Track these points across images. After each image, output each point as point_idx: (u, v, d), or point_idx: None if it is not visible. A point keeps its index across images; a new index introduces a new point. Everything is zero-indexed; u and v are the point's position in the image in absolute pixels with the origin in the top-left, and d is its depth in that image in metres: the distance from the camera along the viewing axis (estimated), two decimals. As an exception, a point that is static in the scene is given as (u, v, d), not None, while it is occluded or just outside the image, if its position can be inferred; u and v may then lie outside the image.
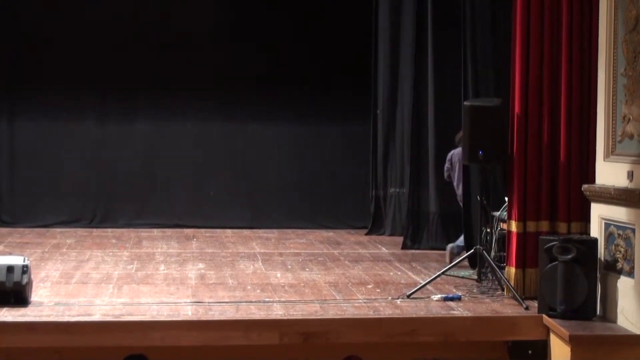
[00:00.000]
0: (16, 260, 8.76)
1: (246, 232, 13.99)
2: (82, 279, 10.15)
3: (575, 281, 8.41)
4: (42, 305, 8.75)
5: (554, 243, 8.55)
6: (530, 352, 8.60)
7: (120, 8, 14.26)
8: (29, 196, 14.30)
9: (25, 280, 8.64)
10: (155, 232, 13.91)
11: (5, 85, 14.27)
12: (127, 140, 14.55)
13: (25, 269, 8.67)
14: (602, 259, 8.55)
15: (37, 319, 8.30)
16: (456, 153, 11.30)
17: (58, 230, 13.82)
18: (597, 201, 8.68)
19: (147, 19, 14.33)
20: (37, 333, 8.16)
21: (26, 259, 8.83)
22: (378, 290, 9.75)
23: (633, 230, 8.12)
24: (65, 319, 8.34)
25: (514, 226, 9.31)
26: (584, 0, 9.15)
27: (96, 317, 8.41)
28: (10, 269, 8.62)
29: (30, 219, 14.13)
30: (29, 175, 14.36)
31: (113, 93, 14.47)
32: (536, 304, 8.77)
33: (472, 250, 9.87)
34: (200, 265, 11.14)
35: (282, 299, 9.20)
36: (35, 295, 8.97)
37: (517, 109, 9.26)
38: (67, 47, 14.21)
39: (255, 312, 8.66)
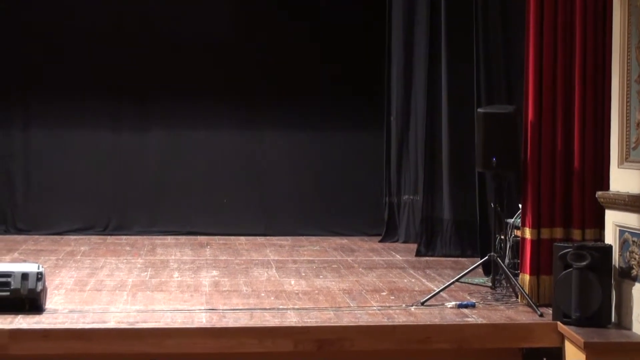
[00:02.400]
0: (31, 267, 8.77)
1: (260, 239, 14.00)
2: (97, 286, 10.16)
3: (589, 288, 8.39)
4: (56, 312, 8.76)
5: (568, 250, 8.53)
6: (544, 359, 8.59)
7: (133, 16, 14.29)
8: (43, 203, 14.32)
9: (39, 288, 8.65)
10: (169, 239, 13.92)
11: (20, 93, 14.31)
12: (141, 148, 14.57)
13: (39, 276, 8.68)
14: (617, 265, 8.53)
15: (52, 326, 8.30)
16: None
17: (72, 237, 13.84)
18: (612, 208, 8.66)
19: (160, 26, 14.35)
20: (51, 340, 8.17)
21: (41, 266, 8.84)
22: (392, 297, 9.74)
23: (647, 237, 8.12)
24: (80, 326, 8.35)
25: (528, 233, 9.29)
26: (597, 8, 9.13)
27: (111, 324, 8.42)
28: (24, 276, 8.63)
29: (45, 227, 14.15)
30: (43, 182, 14.38)
31: (127, 101, 14.49)
32: (550, 311, 8.75)
33: (486, 258, 9.86)
34: (214, 273, 11.14)
35: (296, 306, 9.20)
36: (50, 303, 8.99)
37: (530, 116, 9.25)
38: (81, 55, 14.24)
39: (270, 320, 8.66)
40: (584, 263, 8.41)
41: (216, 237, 14.00)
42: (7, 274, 8.64)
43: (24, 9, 14.11)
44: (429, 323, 8.65)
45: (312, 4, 14.44)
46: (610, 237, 8.69)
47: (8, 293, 8.57)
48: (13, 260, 11.51)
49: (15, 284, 8.60)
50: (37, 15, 14.13)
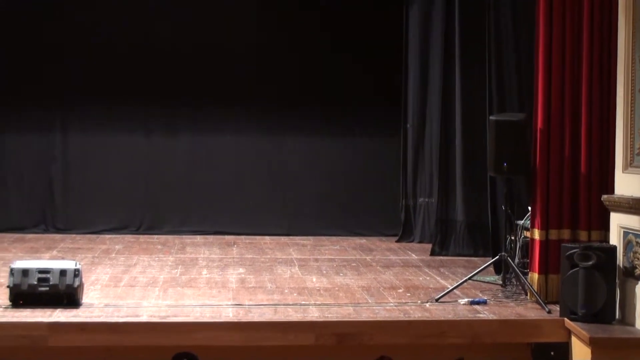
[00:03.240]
0: (68, 264, 8.81)
1: (283, 239, 13.99)
2: (130, 282, 10.18)
3: (595, 287, 8.37)
4: (92, 306, 8.78)
5: (575, 250, 8.52)
6: (552, 353, 8.57)
7: (164, 26, 14.29)
8: (80, 205, 14.35)
9: (77, 283, 8.68)
10: (198, 238, 13.92)
11: (59, 101, 14.33)
12: (172, 152, 14.58)
13: (77, 273, 8.71)
14: (621, 265, 8.51)
15: (88, 320, 8.34)
16: None
17: (107, 236, 13.87)
18: (616, 211, 8.65)
19: (189, 35, 14.34)
20: (88, 333, 8.20)
21: (78, 263, 8.88)
22: (408, 294, 9.73)
23: (650, 239, 8.10)
24: (115, 319, 8.37)
25: (537, 234, 9.28)
26: (604, 19, 9.12)
27: (143, 318, 8.44)
28: (63, 272, 8.67)
29: (82, 226, 14.18)
30: (80, 185, 14.41)
31: (158, 107, 14.49)
32: (558, 308, 8.74)
33: (497, 257, 9.84)
34: (241, 270, 11.14)
35: (318, 302, 9.20)
36: (86, 297, 9.01)
37: (540, 124, 9.23)
38: (116, 64, 14.26)
39: (292, 314, 8.66)
40: (590, 263, 8.40)
41: (242, 237, 14.00)
42: (46, 271, 8.67)
43: (62, 20, 14.15)
44: (443, 319, 8.64)
45: (334, 15, 14.41)
46: (614, 238, 8.67)
47: (47, 288, 8.60)
48: (52, 258, 11.53)
49: (54, 279, 8.63)
50: (75, 26, 14.16)
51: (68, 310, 8.52)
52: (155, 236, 13.98)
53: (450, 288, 9.62)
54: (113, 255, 12.16)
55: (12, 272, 8.68)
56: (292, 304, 9.08)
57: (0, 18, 14.06)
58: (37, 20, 14.13)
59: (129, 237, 13.81)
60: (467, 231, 12.51)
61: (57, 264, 8.82)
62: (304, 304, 9.10)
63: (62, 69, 14.20)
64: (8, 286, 8.67)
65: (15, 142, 14.34)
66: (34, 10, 14.11)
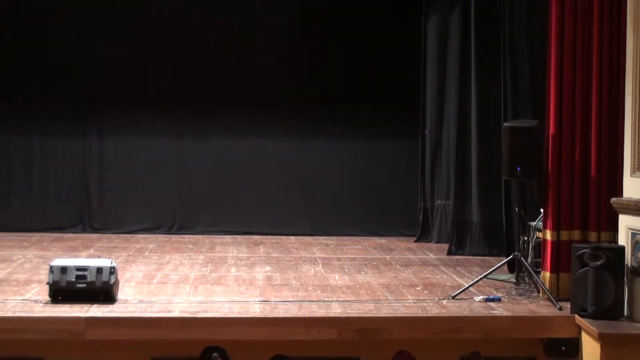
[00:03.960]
0: (105, 262, 8.85)
1: (308, 238, 13.98)
2: (163, 280, 10.21)
3: (604, 285, 8.36)
4: (127, 302, 8.83)
5: (585, 250, 8.51)
6: (563, 348, 8.55)
7: (194, 36, 14.33)
8: (115, 206, 14.39)
9: (112, 280, 8.72)
10: (227, 238, 13.93)
11: (96, 108, 14.38)
12: (203, 156, 14.59)
13: (112, 270, 8.75)
14: (629, 265, 8.49)
15: (123, 315, 8.38)
16: None
17: (141, 236, 13.90)
18: (624, 213, 8.63)
19: (218, 47, 14.36)
20: (123, 327, 8.24)
21: (113, 261, 8.91)
22: (426, 291, 9.72)
23: (657, 240, 8.09)
24: (148, 314, 8.41)
25: (548, 235, 9.26)
26: (612, 31, 9.11)
27: (175, 314, 8.48)
28: (99, 270, 8.71)
29: (117, 226, 14.22)
30: (116, 187, 14.45)
31: (190, 113, 14.52)
32: (569, 305, 8.72)
33: (511, 257, 9.84)
34: (267, 268, 11.15)
35: (340, 299, 9.21)
36: (121, 294, 9.05)
37: (552, 130, 9.22)
38: (148, 73, 14.30)
39: (316, 310, 8.68)
40: (599, 262, 8.39)
41: (269, 237, 14.00)
42: (83, 268, 8.72)
43: (101, 31, 14.20)
44: (459, 315, 8.65)
45: (355, 25, 14.40)
46: (623, 239, 8.65)
47: (84, 285, 8.65)
48: (89, 256, 11.58)
49: (91, 277, 8.67)
50: (112, 37, 14.21)
51: (104, 305, 8.56)
52: (187, 236, 14.00)
53: (466, 286, 9.62)
54: (147, 253, 12.20)
55: (51, 269, 8.73)
56: (316, 301, 9.10)
57: (43, 28, 14.13)
58: (77, 30, 14.18)
59: (161, 237, 13.84)
60: (482, 232, 12.49)
61: (94, 262, 8.87)
62: (327, 301, 9.11)
63: (99, 77, 14.24)
64: (48, 283, 8.72)
65: (55, 148, 14.41)
66: (75, 20, 14.17)
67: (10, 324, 8.19)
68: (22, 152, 14.38)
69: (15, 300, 8.84)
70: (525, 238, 10.07)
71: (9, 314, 8.32)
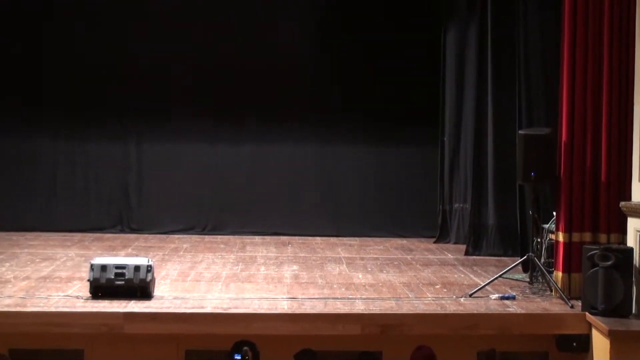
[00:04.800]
0: (142, 261, 8.89)
1: (333, 239, 13.96)
2: (196, 277, 10.24)
3: (613, 284, 8.33)
4: (162, 298, 8.85)
5: (596, 251, 8.48)
6: (574, 344, 8.51)
7: (228, 47, 14.34)
8: (152, 208, 14.42)
9: (149, 278, 8.76)
10: (257, 238, 13.94)
11: (134, 114, 14.43)
12: (235, 160, 14.60)
13: (149, 269, 8.79)
14: (637, 265, 8.46)
15: (159, 310, 8.41)
16: None
17: (176, 236, 13.92)
18: (633, 216, 8.60)
19: (251, 56, 14.38)
20: (158, 322, 8.27)
21: (150, 260, 8.95)
22: (444, 290, 9.70)
23: (663, 242, 8.06)
24: (182, 310, 8.43)
25: (561, 237, 9.23)
26: (622, 44, 9.09)
27: (208, 309, 8.49)
28: (137, 268, 8.75)
29: (154, 227, 14.26)
30: (153, 190, 14.48)
31: (223, 119, 14.52)
32: (580, 303, 8.69)
33: (525, 257, 9.82)
34: (295, 267, 11.16)
35: (363, 296, 9.20)
36: (157, 291, 9.08)
37: (564, 137, 9.20)
38: (185, 82, 14.34)
39: (341, 307, 8.68)
40: (609, 263, 8.36)
41: (296, 237, 13.99)
42: (122, 266, 8.76)
43: (134, 43, 14.27)
44: (475, 312, 8.63)
45: (379, 38, 14.37)
46: (631, 240, 8.63)
47: (123, 282, 8.68)
48: (127, 255, 11.62)
49: (129, 274, 8.71)
50: (149, 50, 14.27)
51: (141, 301, 8.59)
52: (219, 236, 14.01)
53: (483, 285, 9.59)
54: (181, 253, 12.22)
55: (92, 267, 8.78)
56: (341, 298, 9.10)
57: (84, 42, 14.22)
58: (117, 43, 14.26)
59: (195, 237, 13.86)
60: (497, 233, 12.44)
61: (131, 261, 8.90)
62: (351, 298, 9.11)
63: (137, 86, 14.29)
64: (89, 280, 8.76)
65: (96, 153, 14.46)
66: (117, 31, 14.24)
67: (53, 319, 8.23)
68: (66, 157, 14.45)
69: (58, 296, 8.89)
70: (539, 239, 10.03)
71: (53, 309, 8.37)
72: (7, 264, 10.81)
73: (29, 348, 8.30)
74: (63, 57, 14.23)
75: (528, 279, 9.98)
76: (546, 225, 9.99)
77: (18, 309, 8.34)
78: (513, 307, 8.80)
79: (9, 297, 8.78)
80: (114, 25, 14.26)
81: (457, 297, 9.24)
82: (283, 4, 14.45)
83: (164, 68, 14.31)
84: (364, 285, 9.89)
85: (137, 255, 11.38)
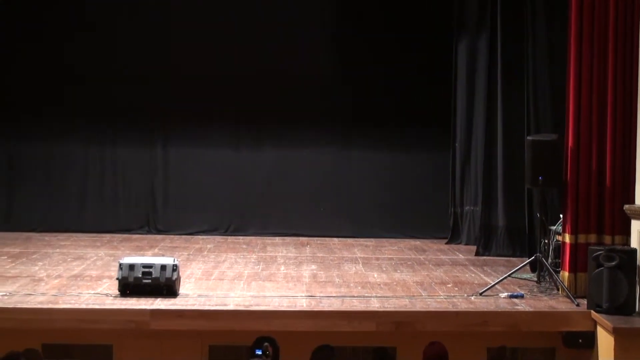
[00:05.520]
0: (168, 260, 8.92)
1: (349, 240, 13.93)
2: (219, 276, 10.26)
3: (618, 283, 8.32)
4: (187, 296, 8.89)
5: (601, 252, 8.47)
6: (580, 340, 8.51)
7: (249, 58, 14.36)
8: (178, 210, 14.44)
9: (174, 277, 8.79)
10: (277, 239, 13.93)
11: (161, 120, 14.47)
12: (256, 165, 14.61)
13: (174, 268, 8.82)
14: (640, 265, 8.46)
15: (184, 307, 8.45)
16: None
17: (200, 237, 13.93)
18: (636, 218, 8.61)
19: (272, 65, 14.38)
20: (184, 318, 8.31)
21: (175, 259, 8.98)
22: (456, 288, 9.70)
23: (665, 243, 8.04)
24: (206, 307, 8.47)
25: (567, 238, 9.23)
26: (626, 56, 9.09)
27: (230, 307, 8.53)
28: (163, 267, 8.79)
29: (179, 228, 14.28)
30: (178, 193, 14.50)
31: (245, 126, 14.54)
32: (585, 302, 8.69)
33: (533, 257, 9.81)
34: (313, 267, 11.17)
35: (379, 295, 9.22)
36: (182, 289, 9.12)
37: (570, 143, 9.19)
38: (208, 89, 14.35)
39: (357, 305, 8.69)
40: (613, 263, 8.35)
41: (315, 238, 13.98)
42: (149, 266, 8.80)
43: (161, 55, 14.32)
44: (485, 310, 8.64)
45: (393, 48, 14.37)
46: (635, 242, 8.62)
47: (150, 280, 8.72)
48: (154, 255, 11.65)
49: (155, 273, 8.75)
50: (176, 58, 14.31)
51: (167, 299, 8.63)
52: (241, 237, 14.01)
53: (492, 284, 9.59)
54: (205, 253, 12.24)
55: (120, 266, 8.82)
56: (357, 296, 9.11)
57: (113, 55, 14.29)
58: (144, 54, 14.31)
59: (218, 238, 13.87)
60: (507, 235, 12.42)
61: (158, 260, 8.94)
62: (367, 296, 9.12)
63: (163, 93, 14.34)
64: (117, 278, 8.80)
65: (124, 158, 14.50)
66: (143, 48, 14.30)
67: (84, 315, 8.28)
68: (96, 162, 14.50)
69: (89, 293, 8.93)
70: (546, 241, 10.01)
71: (83, 306, 8.42)
72: (40, 263, 10.86)
73: (60, 343, 8.35)
74: (94, 69, 14.25)
75: (536, 279, 9.97)
76: (553, 227, 9.97)
77: (50, 306, 8.40)
78: (521, 305, 8.79)
79: (42, 294, 8.83)
80: (141, 38, 14.28)
81: (468, 296, 9.24)
82: (302, 18, 14.47)
83: (189, 77, 14.32)
84: (379, 284, 9.89)
85: (163, 255, 11.41)
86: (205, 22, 14.37)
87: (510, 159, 12.25)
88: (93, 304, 8.50)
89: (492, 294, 9.28)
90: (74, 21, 14.24)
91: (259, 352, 7.01)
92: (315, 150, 14.61)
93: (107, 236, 13.64)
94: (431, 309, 8.65)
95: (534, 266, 10.12)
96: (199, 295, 8.97)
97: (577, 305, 8.75)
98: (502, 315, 8.57)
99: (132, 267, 8.78)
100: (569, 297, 8.96)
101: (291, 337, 8.11)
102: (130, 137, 14.50)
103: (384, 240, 13.98)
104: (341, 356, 7.46)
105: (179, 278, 8.93)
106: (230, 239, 13.87)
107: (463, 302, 8.91)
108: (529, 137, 9.94)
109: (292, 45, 14.43)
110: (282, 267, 11.09)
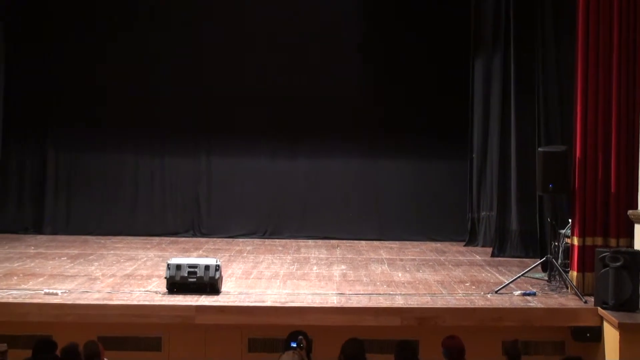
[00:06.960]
0: (211, 261, 8.94)
1: (376, 243, 13.90)
2: (258, 276, 10.28)
3: (622, 282, 8.26)
4: (229, 294, 8.92)
5: (607, 253, 8.41)
6: (588, 335, 8.46)
7: (283, 75, 14.42)
8: (220, 215, 14.50)
9: (217, 276, 8.81)
10: (310, 242, 13.93)
11: (206, 133, 14.55)
12: (291, 173, 14.63)
13: (217, 268, 8.84)
14: (644, 266, 8.39)
15: (226, 304, 8.48)
16: None
17: (240, 240, 13.96)
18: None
19: (304, 81, 14.42)
20: (225, 314, 8.34)
21: (218, 260, 9.00)
22: (473, 287, 9.67)
23: (667, 245, 7.98)
24: (246, 304, 8.49)
25: (575, 240, 9.18)
26: (629, 71, 9.06)
27: (268, 303, 8.54)
28: (207, 267, 8.81)
29: (221, 232, 14.33)
30: (221, 199, 14.55)
31: (281, 137, 14.57)
32: (593, 299, 8.63)
33: (544, 258, 9.76)
34: (343, 267, 11.16)
35: (402, 292, 9.20)
36: (224, 287, 9.13)
37: (578, 154, 9.15)
38: (248, 104, 14.40)
39: (383, 302, 8.68)
40: (618, 264, 8.29)
41: (344, 241, 13.95)
42: (194, 266, 8.82)
43: (205, 73, 14.40)
44: (501, 306, 8.61)
45: (415, 68, 14.38)
46: (638, 244, 8.61)
47: (195, 279, 8.75)
48: (199, 256, 11.65)
49: (200, 273, 8.77)
50: (219, 76, 14.38)
51: (210, 297, 8.66)
52: (277, 240, 14.02)
53: (507, 282, 9.53)
54: (245, 254, 12.26)
55: (168, 266, 8.86)
56: (383, 294, 9.10)
57: (161, 73, 14.39)
58: (190, 73, 14.42)
59: (257, 241, 13.88)
60: (520, 238, 12.36)
61: (202, 261, 8.95)
62: (392, 294, 9.11)
63: (209, 110, 14.44)
64: (165, 277, 8.84)
65: (172, 167, 14.59)
66: (189, 67, 14.41)
67: (135, 310, 8.33)
68: (146, 171, 14.60)
69: (140, 291, 8.98)
70: (556, 243, 9.95)
71: (135, 302, 8.47)
72: (96, 264, 10.94)
73: (115, 335, 8.39)
74: (143, 87, 14.38)
75: (547, 278, 9.91)
76: (562, 231, 9.92)
77: (105, 302, 8.46)
78: (534, 302, 8.75)
79: (98, 292, 8.89)
80: (187, 57, 14.40)
81: (484, 294, 9.20)
82: (334, 37, 14.50)
83: (229, 94, 14.42)
84: (403, 283, 9.87)
85: (207, 256, 11.43)
86: (243, 47, 14.44)
87: (523, 169, 12.20)
88: (143, 300, 8.55)
89: (506, 292, 9.23)
90: (138, 49, 14.39)
91: (294, 345, 7.02)
92: (344, 161, 14.64)
93: (156, 239, 13.71)
94: (451, 305, 8.62)
95: (545, 266, 10.06)
96: (239, 293, 8.99)
97: (585, 302, 8.69)
98: (515, 312, 8.53)
99: (178, 267, 8.81)
100: (577, 295, 8.91)
101: (323, 331, 8.13)
102: (177, 148, 14.59)
103: (407, 242, 13.95)
104: (368, 348, 7.46)
105: (221, 277, 8.96)
106: (267, 241, 13.89)
107: (480, 300, 8.88)
108: (540, 149, 9.89)
109: (324, 66, 14.47)
110: (315, 267, 11.09)
